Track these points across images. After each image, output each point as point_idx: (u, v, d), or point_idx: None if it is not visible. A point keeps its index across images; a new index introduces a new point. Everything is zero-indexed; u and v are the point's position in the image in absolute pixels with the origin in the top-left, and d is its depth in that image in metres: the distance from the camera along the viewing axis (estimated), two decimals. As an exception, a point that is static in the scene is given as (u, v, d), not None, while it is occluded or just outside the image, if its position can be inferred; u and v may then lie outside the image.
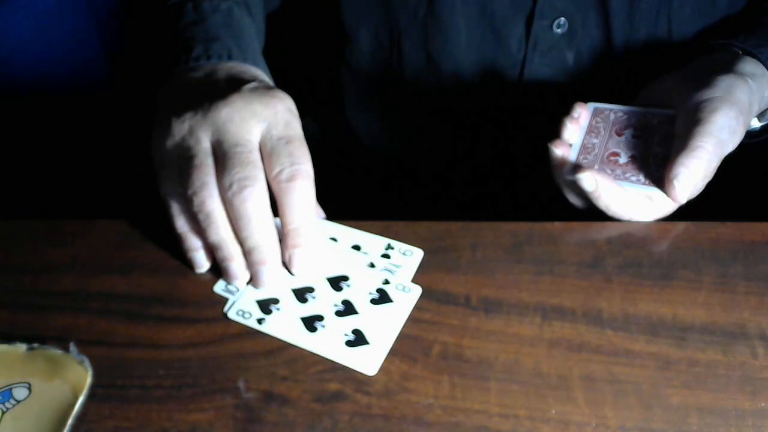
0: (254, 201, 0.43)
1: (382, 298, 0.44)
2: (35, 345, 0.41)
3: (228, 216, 0.44)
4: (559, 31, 0.60)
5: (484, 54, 0.63)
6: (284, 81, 0.55)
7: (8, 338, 0.42)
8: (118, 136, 0.91)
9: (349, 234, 0.49)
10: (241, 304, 0.45)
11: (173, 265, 0.48)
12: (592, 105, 0.54)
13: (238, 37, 0.55)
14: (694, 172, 0.46)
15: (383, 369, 0.42)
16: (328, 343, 0.42)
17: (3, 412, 0.39)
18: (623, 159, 0.50)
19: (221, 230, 0.44)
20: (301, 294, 0.45)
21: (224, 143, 0.44)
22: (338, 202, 0.70)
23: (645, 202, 0.49)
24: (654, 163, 0.49)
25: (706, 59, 0.54)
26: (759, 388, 0.41)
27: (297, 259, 0.45)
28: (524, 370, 0.42)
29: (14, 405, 0.39)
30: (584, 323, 0.44)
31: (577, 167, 0.49)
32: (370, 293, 0.45)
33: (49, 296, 0.46)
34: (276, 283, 0.45)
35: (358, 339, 0.42)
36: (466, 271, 0.47)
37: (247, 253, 0.44)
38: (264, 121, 0.45)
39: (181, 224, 0.46)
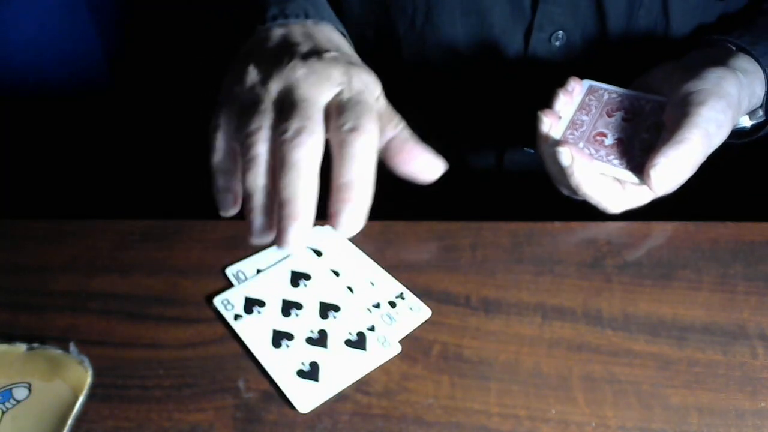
0: (305, 151, 0.40)
1: (358, 343, 0.43)
2: (35, 345, 0.41)
3: (274, 165, 0.41)
4: (557, 44, 0.60)
5: (482, 62, 0.63)
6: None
7: (8, 338, 0.42)
8: (118, 135, 0.91)
9: (367, 267, 0.47)
10: (229, 294, 0.45)
11: (173, 265, 0.48)
12: (587, 82, 0.54)
13: (315, 3, 0.53)
14: (674, 164, 0.46)
15: (383, 369, 0.42)
16: (281, 365, 0.41)
17: (3, 412, 0.39)
18: (609, 140, 0.50)
19: (260, 177, 0.40)
20: (288, 307, 0.44)
21: (292, 95, 0.42)
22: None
23: (617, 190, 0.49)
24: (639, 149, 0.49)
25: (699, 53, 0.55)
26: (759, 388, 0.41)
27: (345, 216, 0.39)
28: (524, 370, 0.42)
29: (14, 405, 0.39)
30: (584, 323, 0.44)
31: (558, 141, 0.49)
32: (350, 333, 0.43)
33: (49, 296, 0.46)
34: (300, 245, 0.39)
35: (311, 373, 0.41)
36: (466, 271, 0.47)
37: (280, 205, 0.39)
38: (338, 86, 0.43)
39: (218, 160, 0.43)
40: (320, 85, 0.43)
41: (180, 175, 0.80)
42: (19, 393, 0.40)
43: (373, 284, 0.46)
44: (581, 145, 0.50)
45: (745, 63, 0.52)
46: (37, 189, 0.87)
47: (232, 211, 0.43)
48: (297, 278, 0.46)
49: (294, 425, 0.39)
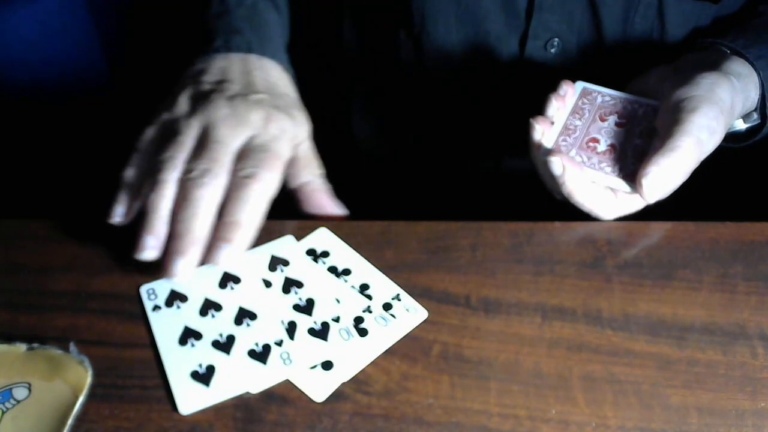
0: (205, 193, 0.43)
1: (260, 355, 0.42)
2: (35, 345, 0.41)
3: (175, 196, 0.45)
4: (552, 51, 0.60)
5: (478, 70, 0.63)
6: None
7: (8, 338, 0.42)
8: (118, 135, 0.91)
9: (364, 269, 0.47)
10: (155, 284, 0.45)
11: (173, 265, 0.48)
12: (581, 84, 0.54)
13: (260, 31, 0.56)
14: (666, 172, 0.46)
15: (383, 369, 0.42)
16: (179, 363, 0.41)
17: (3, 412, 0.39)
18: (602, 147, 0.50)
19: (162, 202, 0.44)
20: (207, 307, 0.44)
21: (209, 135, 0.46)
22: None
23: (609, 198, 0.49)
24: (632, 156, 0.49)
25: (693, 57, 0.54)
26: (759, 388, 0.41)
27: (220, 253, 0.43)
28: (524, 370, 0.42)
29: (14, 405, 0.39)
30: (584, 323, 0.44)
31: (550, 149, 0.49)
32: (256, 344, 0.42)
33: (49, 296, 0.46)
34: (183, 278, 0.43)
35: (205, 376, 0.41)
36: (466, 271, 0.47)
37: (172, 236, 0.43)
38: (253, 130, 0.47)
39: (129, 175, 0.47)
40: (236, 128, 0.47)
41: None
42: (19, 393, 0.40)
43: (368, 286, 0.46)
44: (574, 151, 0.50)
45: (738, 67, 0.52)
46: (37, 189, 0.87)
47: (119, 221, 0.47)
48: (226, 280, 0.45)
49: (294, 425, 0.39)
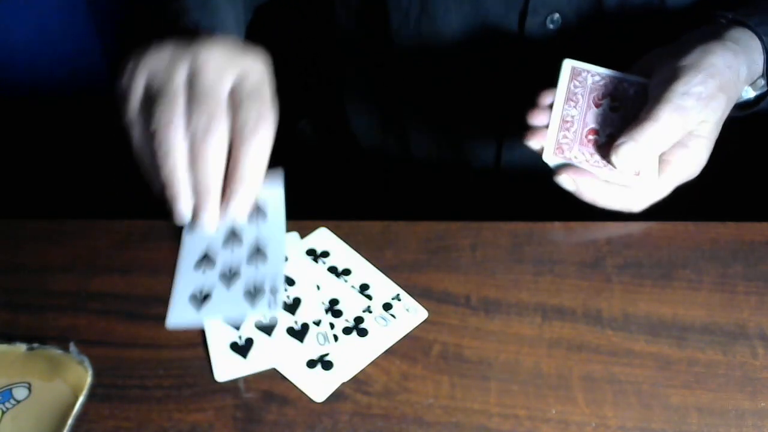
0: (215, 145, 0.44)
1: (251, 296, 0.43)
2: (35, 345, 0.41)
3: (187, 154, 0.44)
4: (552, 26, 0.60)
5: (478, 50, 0.63)
6: (281, 83, 0.55)
7: (8, 338, 0.42)
8: (118, 136, 0.91)
9: (364, 269, 0.47)
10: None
11: (173, 265, 0.47)
12: (569, 63, 0.53)
13: (211, 16, 0.55)
14: (640, 143, 0.45)
15: (383, 369, 0.42)
16: (187, 284, 0.43)
17: (3, 412, 0.39)
18: (602, 138, 0.49)
19: (178, 169, 0.44)
20: (231, 240, 0.46)
21: (198, 83, 0.45)
22: (338, 202, 0.70)
23: (633, 191, 0.49)
24: None
25: (693, 33, 0.54)
26: (759, 388, 0.41)
27: (233, 206, 0.45)
28: (524, 370, 0.42)
29: (14, 405, 0.39)
30: (584, 323, 0.44)
31: (555, 168, 0.49)
32: (254, 287, 0.43)
33: (49, 296, 0.46)
34: (211, 228, 0.45)
35: (201, 301, 0.42)
36: (466, 271, 0.47)
37: (196, 194, 0.44)
38: (240, 72, 0.46)
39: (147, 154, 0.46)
40: (223, 71, 0.45)
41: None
42: (19, 393, 0.40)
43: (368, 286, 0.46)
44: (576, 148, 0.49)
45: (737, 33, 0.51)
46: (37, 189, 0.87)
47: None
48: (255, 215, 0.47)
49: (294, 425, 0.39)
